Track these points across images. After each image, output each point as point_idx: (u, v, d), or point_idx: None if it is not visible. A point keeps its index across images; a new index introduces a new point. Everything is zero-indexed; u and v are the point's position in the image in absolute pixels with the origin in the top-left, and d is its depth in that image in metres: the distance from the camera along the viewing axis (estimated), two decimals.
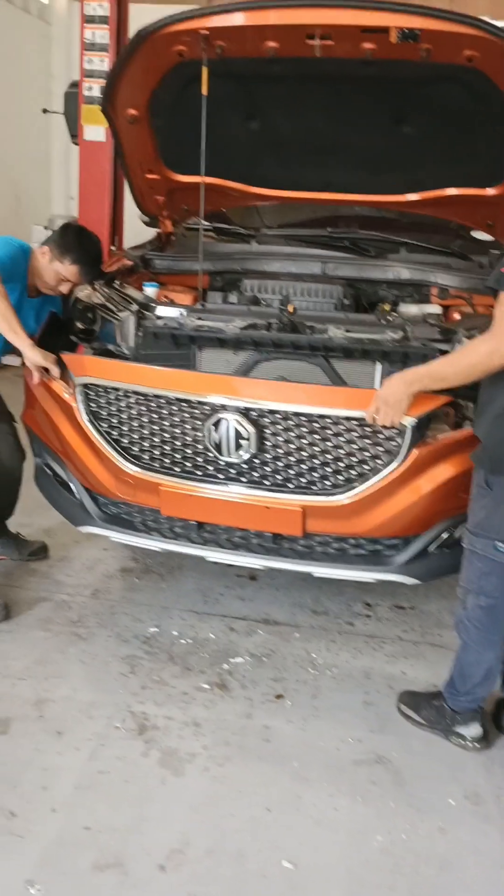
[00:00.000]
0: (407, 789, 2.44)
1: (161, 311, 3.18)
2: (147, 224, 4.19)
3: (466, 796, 2.43)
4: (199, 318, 3.04)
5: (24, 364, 3.04)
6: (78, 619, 3.23)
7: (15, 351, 3.04)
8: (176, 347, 3.03)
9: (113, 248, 5.43)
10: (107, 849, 2.14)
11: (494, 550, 2.39)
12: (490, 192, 3.45)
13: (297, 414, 2.71)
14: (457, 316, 3.33)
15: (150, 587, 3.52)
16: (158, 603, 3.39)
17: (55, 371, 2.98)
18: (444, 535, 2.82)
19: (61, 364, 2.99)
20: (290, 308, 2.94)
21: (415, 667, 3.06)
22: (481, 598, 2.48)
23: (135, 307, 3.17)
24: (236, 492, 2.82)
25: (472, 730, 2.63)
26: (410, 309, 3.35)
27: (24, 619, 3.20)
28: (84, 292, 3.30)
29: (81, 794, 2.32)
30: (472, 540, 2.47)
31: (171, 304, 3.35)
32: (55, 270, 3.12)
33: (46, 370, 2.99)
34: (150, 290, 3.47)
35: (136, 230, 4.61)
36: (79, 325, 3.29)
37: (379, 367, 2.88)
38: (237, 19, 2.91)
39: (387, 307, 3.20)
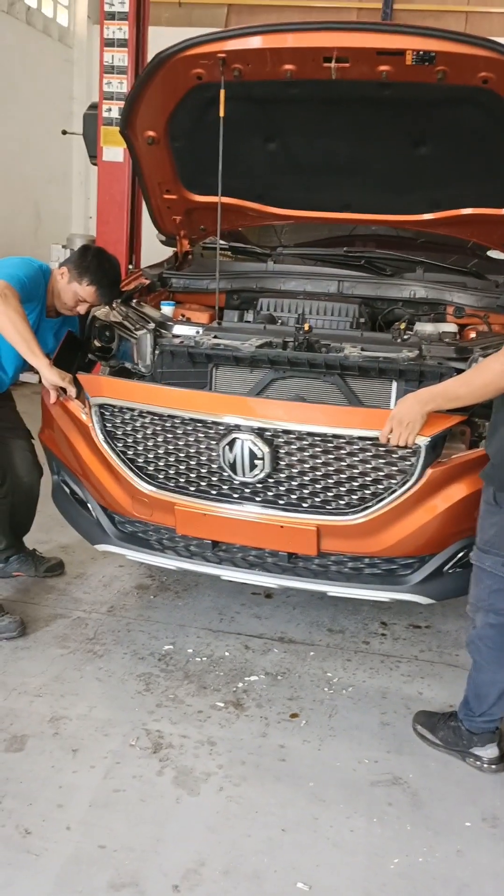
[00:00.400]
0: (424, 811, 2.41)
1: (178, 329, 3.20)
2: (164, 243, 4.23)
3: (484, 819, 2.40)
4: (216, 337, 3.06)
5: (41, 382, 3.08)
6: (94, 636, 3.24)
7: (32, 368, 3.07)
8: (192, 366, 3.06)
9: (130, 266, 5.49)
10: (122, 868, 2.14)
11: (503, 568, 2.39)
12: None
13: (310, 434, 2.72)
14: (472, 335, 3.33)
15: (167, 605, 3.53)
16: (174, 621, 3.39)
17: (72, 391, 3.01)
18: (460, 555, 2.81)
19: (78, 384, 3.02)
20: (306, 326, 2.96)
21: (431, 687, 3.04)
22: (491, 615, 2.47)
23: (152, 325, 3.20)
24: (251, 511, 2.83)
25: (489, 751, 2.60)
26: (426, 327, 3.35)
27: (41, 636, 3.21)
28: (102, 310, 3.33)
29: (97, 813, 2.32)
30: (481, 557, 2.46)
31: (188, 322, 3.38)
32: (73, 291, 3.15)
33: (63, 390, 3.02)
34: (167, 309, 3.50)
35: (154, 249, 4.65)
36: (96, 343, 3.32)
37: (395, 385, 2.89)
38: (254, 42, 2.95)
39: (403, 326, 3.21)
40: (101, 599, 3.54)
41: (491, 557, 2.42)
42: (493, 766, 2.60)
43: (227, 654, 3.17)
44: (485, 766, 2.60)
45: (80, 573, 3.77)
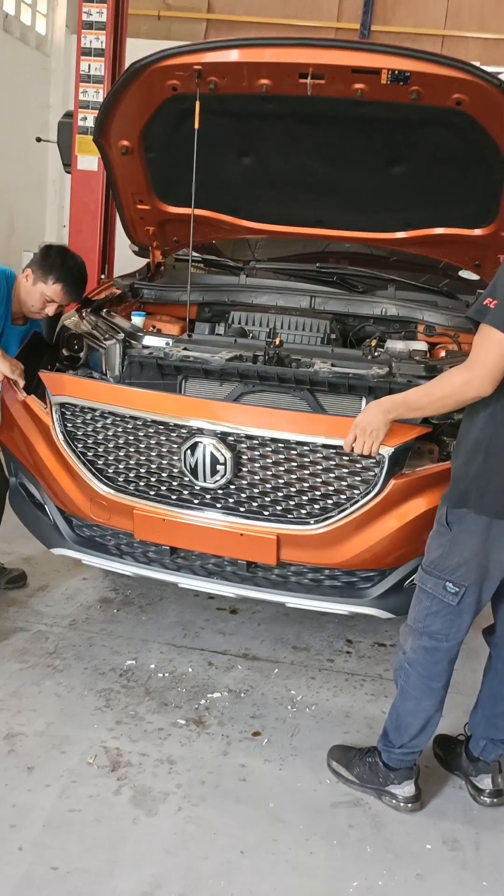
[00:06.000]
0: (384, 833, 2.38)
1: (147, 340, 3.17)
2: (137, 254, 4.21)
3: (444, 841, 2.38)
4: (185, 349, 3.03)
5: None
6: (55, 650, 3.17)
7: None
8: (161, 377, 3.03)
9: (103, 276, 5.45)
10: (75, 891, 2.08)
11: (444, 591, 2.32)
12: (477, 232, 3.48)
13: (274, 440, 2.70)
14: (443, 353, 3.34)
15: (130, 619, 3.47)
16: (137, 636, 3.34)
17: (20, 382, 2.98)
18: None
19: (39, 382, 2.98)
20: (277, 341, 2.94)
21: None
22: (425, 638, 2.39)
23: (121, 336, 3.17)
24: (211, 518, 2.80)
25: (405, 789, 2.49)
26: (397, 345, 3.36)
27: (0, 650, 3.14)
28: (72, 320, 3.29)
29: (50, 834, 2.26)
30: (423, 578, 2.40)
31: (158, 333, 3.34)
32: (40, 292, 3.11)
33: (17, 383, 2.99)
34: (138, 320, 3.47)
35: (127, 259, 4.63)
36: (65, 352, 3.27)
37: (364, 402, 2.87)
38: (230, 56, 2.95)
39: (373, 343, 3.21)
40: (63, 613, 3.47)
41: (432, 579, 2.35)
42: (409, 805, 2.49)
43: (189, 670, 3.12)
44: (401, 805, 2.49)
45: (42, 585, 3.70)
